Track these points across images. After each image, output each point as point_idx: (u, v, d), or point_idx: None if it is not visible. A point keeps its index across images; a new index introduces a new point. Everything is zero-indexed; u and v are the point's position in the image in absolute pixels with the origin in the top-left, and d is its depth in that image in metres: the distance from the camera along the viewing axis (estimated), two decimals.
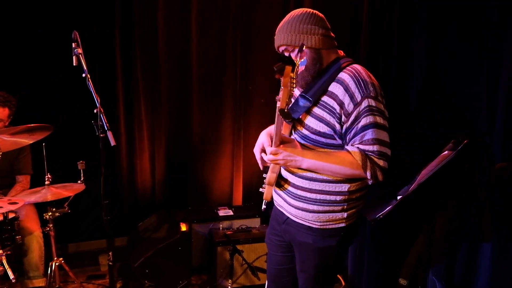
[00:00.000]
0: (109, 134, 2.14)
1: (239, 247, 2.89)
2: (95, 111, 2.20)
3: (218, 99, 3.52)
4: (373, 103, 1.53)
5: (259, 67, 3.46)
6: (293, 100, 1.65)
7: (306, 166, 1.58)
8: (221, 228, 3.14)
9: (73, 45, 2.27)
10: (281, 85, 1.30)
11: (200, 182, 3.61)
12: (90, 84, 2.25)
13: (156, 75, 3.37)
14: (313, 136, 1.61)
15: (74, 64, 2.29)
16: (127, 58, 3.28)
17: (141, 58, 3.29)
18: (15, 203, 2.13)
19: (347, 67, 1.60)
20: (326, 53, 1.63)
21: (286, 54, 1.61)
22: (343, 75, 1.57)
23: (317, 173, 1.61)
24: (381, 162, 1.53)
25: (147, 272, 2.81)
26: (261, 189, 1.86)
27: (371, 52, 2.96)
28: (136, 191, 3.52)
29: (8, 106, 2.63)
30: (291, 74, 1.28)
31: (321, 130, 1.59)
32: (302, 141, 1.65)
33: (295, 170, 1.65)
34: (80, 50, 2.27)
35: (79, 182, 2.56)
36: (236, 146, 3.62)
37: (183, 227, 3.13)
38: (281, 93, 1.37)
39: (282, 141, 1.58)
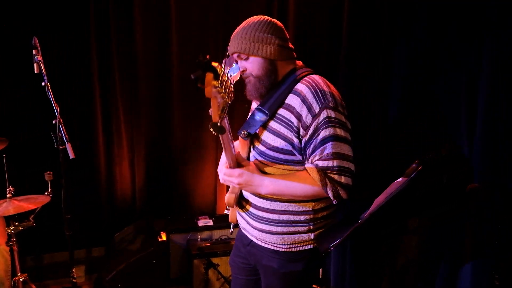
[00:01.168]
0: (68, 146, 2.04)
1: (216, 259, 2.78)
2: (53, 122, 2.10)
3: (200, 104, 3.40)
4: (332, 114, 1.42)
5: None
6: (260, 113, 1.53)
7: (265, 192, 1.48)
8: (199, 239, 3.02)
9: (34, 51, 2.17)
10: (205, 95, 1.15)
11: (182, 190, 3.50)
12: (50, 93, 2.15)
13: (134, 79, 3.27)
14: (271, 153, 1.50)
15: (35, 72, 2.19)
16: (103, 63, 3.18)
17: (119, 62, 3.20)
18: None
19: (305, 78, 1.49)
20: (282, 64, 1.52)
21: (239, 61, 1.51)
22: (300, 86, 1.47)
23: None
24: (342, 179, 1.41)
25: (119, 286, 2.71)
26: (225, 211, 1.76)
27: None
28: (116, 200, 3.42)
29: None
30: (214, 83, 1.11)
31: (279, 146, 1.48)
32: (260, 158, 1.53)
33: None
34: (40, 57, 2.17)
35: (46, 193, 2.45)
36: (220, 152, 3.49)
37: (163, 237, 3.03)
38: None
39: (239, 163, 1.47)
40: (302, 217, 1.52)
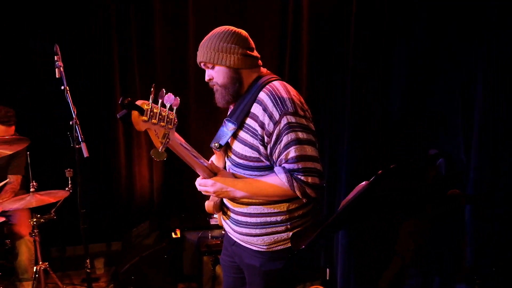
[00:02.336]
0: (83, 146, 2.19)
1: None
2: (70, 122, 2.26)
3: (214, 107, 3.51)
4: (292, 119, 1.47)
5: None
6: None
7: (239, 196, 1.55)
8: (210, 236, 3.13)
9: (55, 58, 2.35)
10: (137, 130, 1.25)
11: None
12: (69, 96, 2.32)
13: (153, 80, 3.43)
14: (241, 161, 1.58)
15: (56, 77, 2.37)
16: (125, 64, 3.38)
17: (139, 63, 3.39)
18: None
19: (266, 85, 1.55)
20: (247, 72, 1.59)
21: (206, 70, 1.60)
22: (261, 95, 1.53)
23: None
24: (309, 179, 1.47)
25: (132, 278, 2.86)
26: (211, 221, 1.82)
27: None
28: (135, 197, 3.60)
29: (14, 121, 2.77)
30: (142, 118, 1.22)
31: (247, 154, 1.55)
32: (234, 167, 1.61)
33: None
34: (61, 63, 2.35)
35: (66, 189, 2.63)
36: None
37: (176, 234, 3.16)
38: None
39: (214, 172, 1.55)
40: (279, 218, 1.58)
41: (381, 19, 2.76)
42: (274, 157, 1.51)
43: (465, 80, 2.05)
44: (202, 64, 1.60)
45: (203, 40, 1.59)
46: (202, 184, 1.54)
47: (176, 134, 1.40)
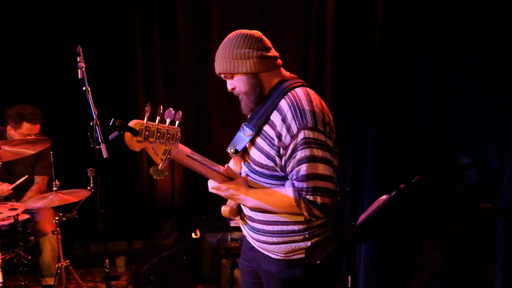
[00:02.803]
0: (103, 147, 2.19)
1: None
2: (91, 123, 2.28)
3: (237, 107, 3.49)
4: (310, 134, 1.40)
5: None
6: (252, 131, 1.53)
7: (250, 205, 1.51)
8: (229, 239, 3.10)
9: (78, 58, 2.37)
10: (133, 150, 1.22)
11: None
12: (90, 97, 2.33)
13: (175, 83, 3.46)
14: (257, 168, 1.52)
15: (79, 77, 2.39)
16: (148, 65, 3.40)
17: (162, 65, 3.40)
18: (15, 209, 2.27)
19: (289, 93, 1.48)
20: (267, 75, 1.52)
21: (227, 81, 1.54)
22: (282, 103, 1.46)
23: None
24: (317, 199, 1.41)
25: (152, 278, 2.87)
26: (231, 223, 1.79)
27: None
28: (156, 197, 3.62)
29: (39, 120, 2.83)
30: (136, 138, 1.19)
31: (263, 162, 1.50)
32: (250, 174, 1.56)
33: None
34: (83, 64, 2.37)
35: (88, 188, 2.66)
36: None
37: (196, 235, 3.15)
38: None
39: (230, 177, 1.50)
40: (296, 227, 1.52)
41: (408, 20, 2.63)
42: (287, 170, 1.46)
43: (498, 81, 1.91)
44: (222, 76, 1.56)
45: (217, 51, 1.54)
46: (215, 187, 1.50)
47: (182, 147, 1.37)
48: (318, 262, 1.23)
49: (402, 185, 0.97)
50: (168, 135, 1.24)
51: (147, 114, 1.21)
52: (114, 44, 3.32)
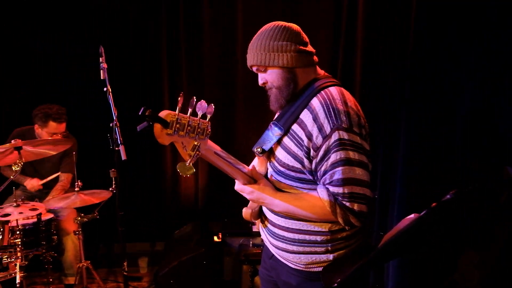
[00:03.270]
0: (121, 148, 2.17)
1: None
2: (111, 125, 2.25)
3: (263, 107, 3.41)
4: (345, 135, 1.29)
5: None
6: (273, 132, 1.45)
7: (277, 210, 1.42)
8: (251, 244, 3.01)
9: (100, 59, 2.36)
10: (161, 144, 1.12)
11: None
12: (110, 98, 2.31)
13: (201, 83, 3.42)
14: (283, 170, 1.42)
15: (101, 78, 2.37)
16: (173, 67, 3.38)
17: (187, 65, 3.37)
18: (35, 209, 2.29)
19: (321, 91, 1.37)
20: (302, 71, 1.42)
21: (259, 74, 1.45)
22: (314, 102, 1.36)
23: None
24: (355, 206, 1.29)
25: (171, 282, 2.82)
26: (254, 228, 1.72)
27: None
28: (179, 199, 3.60)
29: (65, 119, 2.86)
30: (166, 131, 1.09)
31: (290, 164, 1.40)
32: (275, 175, 1.47)
33: None
34: (105, 65, 2.35)
35: (110, 189, 2.65)
36: None
37: (218, 238, 3.09)
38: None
39: (255, 179, 1.42)
40: (319, 238, 1.42)
41: (445, 18, 2.44)
42: (318, 174, 1.35)
43: None
44: (254, 68, 1.46)
45: (251, 42, 1.44)
46: (239, 189, 1.44)
47: (210, 143, 1.29)
48: (336, 285, 1.11)
49: (434, 204, 0.85)
50: (199, 130, 1.15)
51: (179, 105, 1.12)
52: (139, 44, 3.31)
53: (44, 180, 2.85)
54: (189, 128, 1.12)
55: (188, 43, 3.34)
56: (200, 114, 1.15)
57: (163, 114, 1.10)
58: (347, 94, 1.38)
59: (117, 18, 3.24)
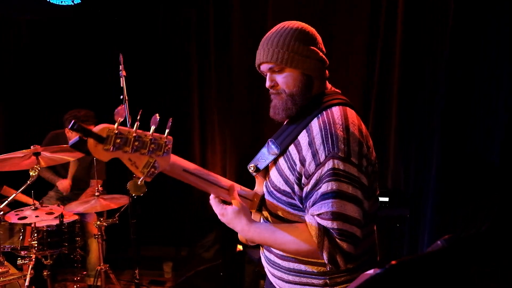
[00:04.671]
0: None
1: None
2: None
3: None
4: (340, 166, 1.14)
5: (336, 86, 3.11)
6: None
7: (251, 239, 1.27)
8: None
9: (120, 67, 2.39)
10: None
11: None
12: (126, 106, 2.32)
13: (229, 93, 3.41)
14: (275, 192, 1.29)
15: (121, 85, 2.40)
16: (202, 79, 3.42)
17: (216, 77, 3.38)
18: (51, 213, 2.36)
19: (324, 111, 1.23)
20: (317, 82, 1.29)
21: (270, 74, 1.28)
22: (314, 123, 1.21)
23: None
24: (344, 245, 1.13)
25: None
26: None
27: None
28: (206, 205, 3.56)
29: (93, 122, 2.95)
30: (104, 146, 0.98)
31: (281, 187, 1.27)
32: (268, 196, 1.34)
33: None
34: (124, 73, 2.37)
35: (130, 196, 2.68)
36: None
37: (240, 248, 3.02)
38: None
39: (240, 197, 1.29)
40: (315, 269, 1.27)
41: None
42: (307, 204, 1.20)
43: None
44: (266, 66, 1.28)
45: (267, 37, 1.28)
46: (213, 206, 1.29)
47: (176, 159, 1.19)
48: None
49: (393, 262, 0.69)
50: (153, 146, 1.05)
51: (119, 118, 0.98)
52: (169, 53, 3.37)
53: (69, 179, 2.97)
54: (136, 143, 1.02)
55: (217, 49, 3.34)
56: (153, 128, 1.04)
57: (97, 128, 0.99)
58: (351, 117, 1.22)
59: (146, 26, 3.32)
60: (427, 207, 2.53)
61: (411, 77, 2.85)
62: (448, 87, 2.38)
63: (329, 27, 3.11)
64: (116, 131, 0.99)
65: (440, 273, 0.75)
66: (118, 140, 1.00)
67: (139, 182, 1.07)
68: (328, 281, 1.26)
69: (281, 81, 1.26)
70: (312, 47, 1.25)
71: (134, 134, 1.02)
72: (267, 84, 1.29)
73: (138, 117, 1.02)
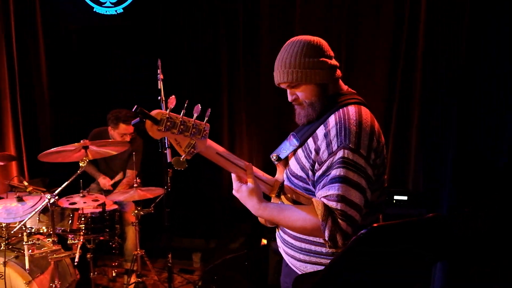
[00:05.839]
0: (168, 152, 2.38)
1: None
2: None
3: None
4: (350, 155, 1.30)
5: (360, 89, 3.24)
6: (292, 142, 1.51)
7: (260, 215, 1.44)
8: None
9: (158, 71, 2.64)
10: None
11: None
12: (163, 106, 2.56)
13: (257, 91, 3.61)
14: (293, 179, 1.48)
15: (159, 87, 2.65)
16: (232, 80, 3.64)
17: (245, 78, 3.60)
18: (97, 200, 2.64)
19: (340, 109, 1.40)
20: (332, 86, 1.46)
21: (289, 90, 1.46)
22: (330, 118, 1.39)
23: None
24: (343, 225, 1.29)
25: (215, 278, 3.01)
26: None
27: None
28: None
29: None
30: (157, 127, 1.21)
31: (298, 174, 1.45)
32: (287, 182, 1.52)
33: None
34: (162, 76, 2.62)
35: (165, 187, 2.93)
36: None
37: (264, 242, 3.21)
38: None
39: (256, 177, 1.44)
40: (324, 249, 1.43)
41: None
42: (318, 187, 1.37)
43: None
44: (283, 85, 1.46)
45: (278, 59, 1.45)
46: (235, 188, 1.44)
47: (212, 143, 1.39)
48: None
49: (375, 224, 0.84)
50: (194, 130, 1.27)
51: (170, 106, 1.22)
52: (201, 57, 3.62)
53: (113, 181, 3.27)
54: (182, 127, 1.25)
55: (246, 52, 3.54)
56: (195, 115, 1.27)
57: (153, 112, 1.23)
58: (365, 115, 1.38)
59: (181, 33, 3.61)
60: (443, 207, 2.62)
61: (432, 81, 2.94)
62: (464, 91, 2.47)
63: (353, 32, 3.26)
64: (168, 116, 1.23)
65: (420, 239, 0.91)
66: (168, 123, 1.24)
67: (181, 159, 1.30)
68: None
69: (300, 94, 1.44)
70: (321, 59, 1.41)
71: (180, 119, 1.25)
72: (289, 99, 1.48)
73: (185, 106, 1.26)
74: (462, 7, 2.65)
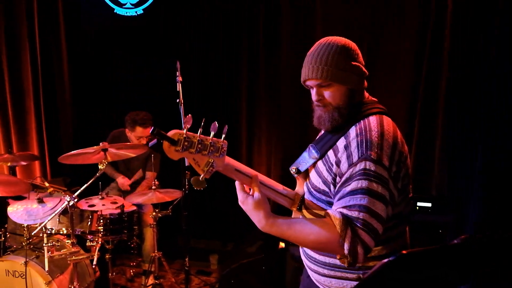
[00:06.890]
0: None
1: None
2: None
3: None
4: (372, 167, 1.24)
5: (383, 93, 3.17)
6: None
7: (265, 231, 1.34)
8: None
9: (177, 73, 2.63)
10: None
11: None
12: (182, 108, 2.56)
13: (277, 96, 3.58)
14: (315, 193, 1.42)
15: (177, 90, 2.64)
16: (252, 84, 3.63)
17: (265, 82, 3.58)
18: (115, 202, 2.65)
19: (362, 120, 1.34)
20: (359, 94, 1.41)
21: (317, 89, 1.38)
22: (352, 130, 1.33)
23: None
24: (366, 237, 1.20)
25: (232, 282, 2.99)
26: None
27: None
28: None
29: (150, 124, 3.23)
30: (175, 148, 1.16)
31: (320, 187, 1.39)
32: (308, 196, 1.47)
33: None
34: (180, 78, 2.61)
35: (183, 190, 2.92)
36: None
37: (281, 245, 3.17)
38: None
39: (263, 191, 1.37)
40: None
41: None
42: (336, 198, 1.30)
43: None
44: (312, 82, 1.37)
45: (311, 54, 1.37)
46: (237, 191, 1.35)
47: (230, 160, 1.33)
48: None
49: (404, 251, 0.79)
50: (212, 148, 1.22)
51: (187, 125, 1.18)
52: (221, 59, 3.61)
53: (131, 181, 3.28)
54: (199, 146, 1.21)
55: (267, 56, 3.52)
56: (212, 133, 1.22)
57: (171, 133, 1.19)
58: (387, 125, 1.32)
59: (200, 36, 3.63)
60: (471, 213, 2.52)
61: (457, 85, 2.85)
62: (492, 95, 2.37)
63: (377, 34, 3.18)
64: (185, 136, 1.19)
65: (449, 265, 0.85)
66: (186, 143, 1.19)
67: (200, 178, 1.24)
68: (361, 275, 1.35)
69: (328, 95, 1.36)
70: (354, 63, 1.36)
71: (198, 138, 1.21)
72: (314, 98, 1.39)
73: (202, 124, 1.22)
74: (492, 9, 2.54)
